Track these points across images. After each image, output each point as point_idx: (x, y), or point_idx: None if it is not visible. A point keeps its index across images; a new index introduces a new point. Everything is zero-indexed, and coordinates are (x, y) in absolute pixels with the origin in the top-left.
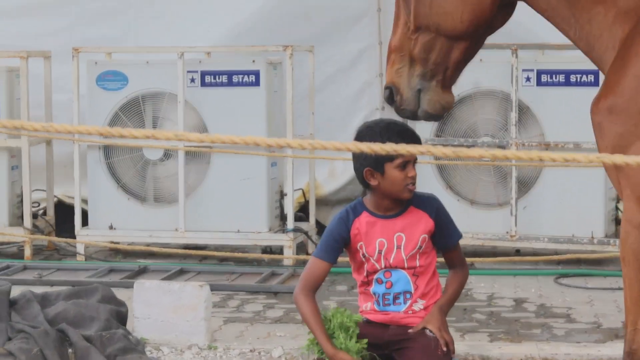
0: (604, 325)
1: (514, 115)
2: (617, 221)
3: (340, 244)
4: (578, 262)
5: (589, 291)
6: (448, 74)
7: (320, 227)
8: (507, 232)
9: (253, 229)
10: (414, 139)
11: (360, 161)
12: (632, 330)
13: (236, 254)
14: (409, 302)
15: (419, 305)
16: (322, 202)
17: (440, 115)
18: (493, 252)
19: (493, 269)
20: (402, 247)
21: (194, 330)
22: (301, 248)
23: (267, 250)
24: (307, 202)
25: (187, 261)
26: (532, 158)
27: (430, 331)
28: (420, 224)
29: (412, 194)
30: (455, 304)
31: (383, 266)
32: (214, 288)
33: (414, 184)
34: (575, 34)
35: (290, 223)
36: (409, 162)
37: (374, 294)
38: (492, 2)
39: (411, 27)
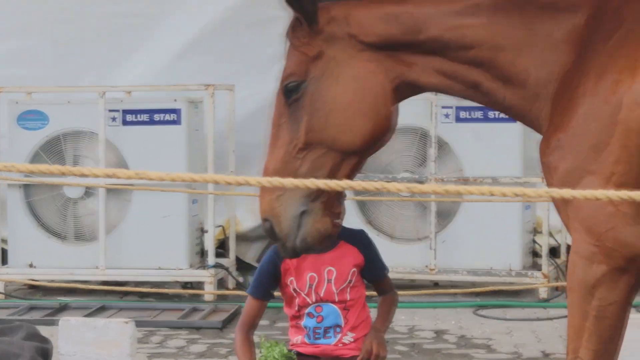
0: (524, 354)
1: (433, 151)
2: (534, 253)
3: (271, 280)
4: (496, 293)
5: (507, 322)
6: (332, 194)
7: (239, 262)
8: (427, 266)
9: (174, 265)
10: None
11: None
12: (573, 358)
13: (160, 290)
14: (339, 336)
15: (349, 338)
16: (241, 238)
17: (317, 246)
18: (412, 286)
19: (413, 302)
20: (332, 281)
21: None
22: (221, 284)
23: (187, 286)
24: (226, 238)
25: (108, 298)
26: (492, 193)
27: None
28: (350, 257)
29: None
30: None
31: (314, 300)
32: (137, 324)
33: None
34: (504, 102)
35: (211, 259)
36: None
37: (305, 327)
38: (390, 110)
39: (299, 145)
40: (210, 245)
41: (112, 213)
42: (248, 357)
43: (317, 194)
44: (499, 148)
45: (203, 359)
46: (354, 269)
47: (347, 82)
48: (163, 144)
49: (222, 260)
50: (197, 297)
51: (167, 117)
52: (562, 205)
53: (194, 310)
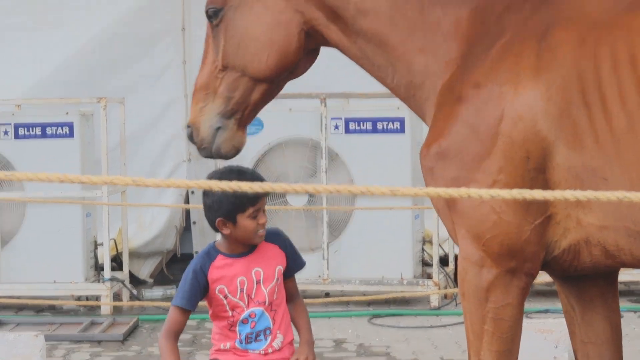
0: None
1: (324, 162)
2: (424, 262)
3: (197, 290)
4: (388, 302)
5: (403, 330)
6: (246, 114)
7: (132, 277)
8: (320, 276)
9: (69, 279)
10: (256, 179)
11: (212, 212)
12: None
13: (60, 302)
14: (269, 339)
15: (278, 342)
16: (133, 254)
17: (232, 155)
18: (304, 295)
19: (329, 311)
20: (261, 282)
21: None
22: (116, 297)
23: (81, 299)
24: (119, 253)
25: (3, 313)
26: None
27: None
28: (274, 256)
29: (262, 239)
30: None
31: (247, 303)
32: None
33: (263, 231)
34: (393, 81)
35: (107, 272)
36: (259, 209)
37: (239, 333)
38: (297, 48)
39: (219, 65)
40: (106, 257)
41: (5, 227)
42: None
43: (232, 112)
44: (388, 159)
45: None
46: (279, 267)
47: (260, 14)
48: (56, 157)
49: (116, 274)
50: (94, 311)
51: (60, 130)
52: (446, 213)
53: (92, 323)
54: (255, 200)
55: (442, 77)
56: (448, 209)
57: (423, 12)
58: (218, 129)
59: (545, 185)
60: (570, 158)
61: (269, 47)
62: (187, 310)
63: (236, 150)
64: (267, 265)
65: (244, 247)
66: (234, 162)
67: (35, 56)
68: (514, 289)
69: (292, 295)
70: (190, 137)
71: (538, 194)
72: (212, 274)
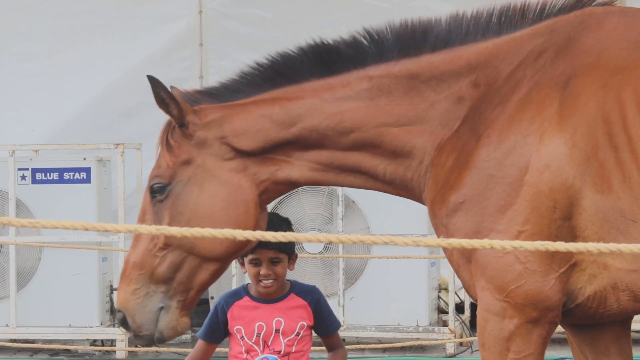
0: None
1: (340, 210)
2: (440, 310)
3: (218, 325)
4: (403, 349)
5: None
6: (190, 296)
7: None
8: None
9: (85, 323)
10: (278, 227)
11: None
12: None
13: (74, 347)
14: None
15: None
16: None
17: (169, 340)
18: (319, 342)
19: (322, 358)
20: (280, 332)
21: None
22: (131, 341)
23: (97, 344)
24: None
25: (18, 356)
26: (394, 242)
27: None
28: (300, 311)
29: (268, 290)
30: None
31: (262, 349)
32: None
33: (268, 282)
34: (385, 177)
35: None
36: (260, 259)
37: None
38: (256, 221)
39: (159, 244)
40: None
41: (22, 270)
42: None
43: (174, 293)
44: (403, 204)
45: None
46: (303, 322)
47: (212, 192)
48: (73, 202)
49: None
50: (109, 355)
51: (77, 175)
52: (464, 264)
53: None
54: (251, 250)
55: (440, 147)
56: (466, 260)
57: (414, 102)
58: (161, 309)
59: (571, 231)
60: (598, 201)
61: (226, 224)
62: (207, 343)
63: (178, 335)
64: (290, 318)
65: (269, 295)
66: None
67: (53, 102)
68: (535, 337)
69: (334, 346)
70: (123, 323)
71: (560, 246)
72: (233, 312)
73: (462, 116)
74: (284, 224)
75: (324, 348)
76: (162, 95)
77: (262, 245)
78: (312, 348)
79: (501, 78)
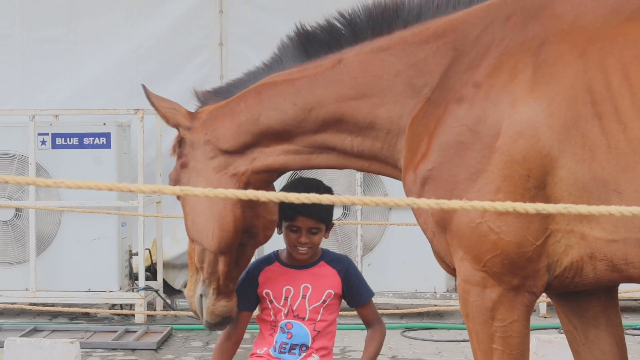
0: None
1: (359, 176)
2: None
3: (250, 291)
4: (421, 315)
5: (435, 343)
6: (221, 283)
7: (167, 286)
8: None
9: (104, 287)
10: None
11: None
12: None
13: (94, 310)
14: (303, 355)
15: None
16: (168, 265)
17: (222, 323)
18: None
19: (341, 324)
20: (307, 297)
21: None
22: (150, 306)
23: (115, 308)
24: (153, 263)
25: (37, 320)
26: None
27: None
28: (328, 279)
29: (303, 257)
30: None
31: (286, 313)
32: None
33: (304, 249)
34: (353, 150)
35: (142, 281)
36: (301, 227)
37: (275, 341)
38: (234, 219)
39: (189, 238)
40: (140, 267)
41: (42, 235)
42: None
43: (209, 281)
44: None
45: None
46: (330, 291)
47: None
48: (93, 168)
49: (150, 283)
50: (128, 319)
51: (97, 140)
52: (439, 233)
53: (127, 332)
54: (292, 217)
55: (413, 114)
56: (441, 229)
57: (375, 71)
58: (201, 296)
59: (546, 201)
60: (577, 171)
61: (212, 222)
62: (241, 312)
63: (224, 319)
64: (318, 285)
65: (300, 261)
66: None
67: (73, 68)
68: (519, 305)
69: (370, 321)
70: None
71: (530, 207)
72: (263, 276)
73: (431, 83)
74: (326, 193)
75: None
76: (154, 101)
77: (304, 213)
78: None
79: (468, 42)
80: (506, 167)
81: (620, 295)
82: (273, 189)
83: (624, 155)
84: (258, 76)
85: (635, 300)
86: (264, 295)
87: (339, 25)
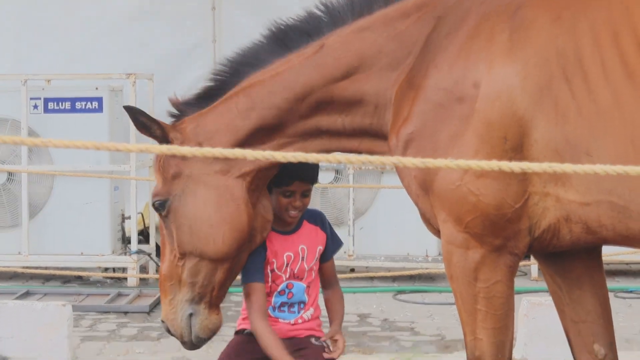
0: (447, 337)
1: None
2: None
3: (261, 262)
4: (412, 278)
5: (427, 306)
6: (214, 295)
7: (159, 250)
8: (345, 252)
9: (96, 251)
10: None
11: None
12: (472, 339)
13: (86, 273)
14: (301, 312)
15: (308, 314)
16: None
17: (208, 339)
18: None
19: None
20: (305, 259)
21: (57, 348)
22: (143, 269)
23: (108, 271)
24: (145, 227)
25: (30, 283)
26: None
27: (316, 339)
28: (317, 236)
29: (294, 220)
30: None
31: (287, 277)
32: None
33: (296, 212)
34: (344, 127)
35: (134, 245)
36: (296, 192)
37: (274, 302)
38: (249, 216)
39: (177, 254)
40: (133, 231)
41: (34, 199)
42: (281, 346)
43: (200, 296)
44: None
45: (136, 341)
46: (320, 247)
47: (204, 198)
48: (85, 132)
49: (143, 247)
50: (120, 283)
51: (89, 105)
52: (422, 195)
53: (119, 295)
54: (288, 182)
55: (397, 84)
56: (424, 192)
57: (355, 50)
58: (190, 315)
59: None
60: (550, 134)
61: (222, 225)
62: (262, 283)
63: (213, 333)
64: (311, 244)
65: (289, 225)
66: None
67: (66, 32)
68: (502, 266)
69: (331, 280)
70: (168, 332)
71: (516, 166)
72: (269, 249)
73: (414, 52)
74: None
75: None
76: (143, 120)
77: (299, 177)
78: None
79: (448, 9)
80: (484, 130)
81: (612, 258)
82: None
83: (593, 119)
84: (235, 77)
85: (626, 263)
86: (268, 265)
87: (319, 13)
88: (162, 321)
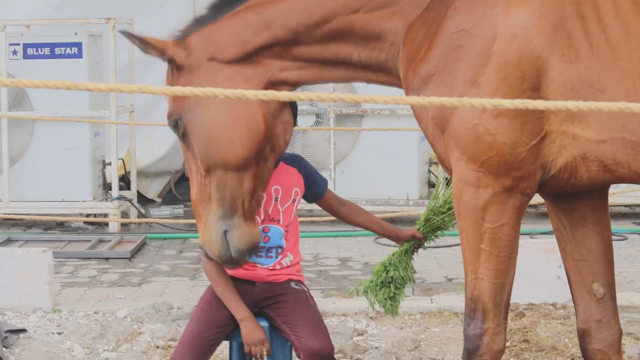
0: (429, 280)
1: (331, 86)
2: (430, 184)
3: None
4: (393, 222)
5: None
6: (247, 206)
7: (140, 196)
8: None
9: (77, 197)
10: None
11: None
12: (474, 278)
13: (66, 219)
14: (279, 257)
15: (287, 260)
16: (141, 174)
17: (251, 253)
18: (310, 215)
19: (314, 231)
20: (279, 199)
21: (37, 294)
22: (124, 216)
23: (89, 218)
24: (127, 173)
25: (12, 230)
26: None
27: (296, 283)
28: (293, 178)
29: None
30: None
31: (262, 218)
32: None
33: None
34: (360, 60)
35: (115, 191)
36: None
37: None
38: (262, 115)
39: (202, 172)
40: (114, 176)
41: (14, 146)
42: (232, 290)
43: (232, 210)
44: None
45: (117, 287)
46: (296, 189)
47: (217, 105)
48: (65, 77)
49: (124, 193)
50: (101, 229)
51: (69, 50)
52: (438, 135)
53: (100, 241)
54: None
55: (412, 24)
56: (440, 131)
57: None
58: (225, 233)
59: None
60: (565, 72)
61: (237, 126)
62: None
63: (254, 244)
64: (285, 185)
65: None
66: None
67: None
68: (510, 208)
69: (340, 203)
70: (207, 256)
71: (540, 104)
72: None
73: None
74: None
75: None
76: (137, 43)
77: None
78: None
79: None
80: (502, 70)
81: None
82: None
83: (604, 55)
84: None
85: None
86: None
87: None
88: (200, 247)
